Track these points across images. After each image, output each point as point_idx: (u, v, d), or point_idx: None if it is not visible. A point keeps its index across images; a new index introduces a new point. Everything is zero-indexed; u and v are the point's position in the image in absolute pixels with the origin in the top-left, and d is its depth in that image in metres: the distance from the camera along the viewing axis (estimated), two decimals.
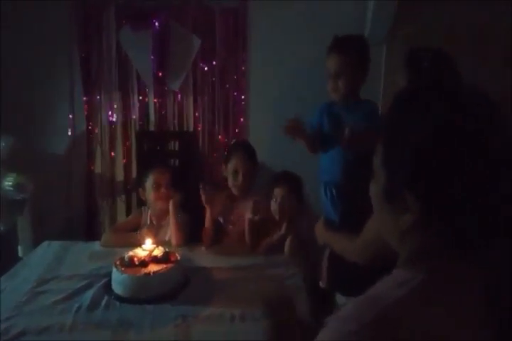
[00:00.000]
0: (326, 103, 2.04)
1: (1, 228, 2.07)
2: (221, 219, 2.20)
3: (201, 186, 2.06)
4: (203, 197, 2.06)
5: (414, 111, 0.63)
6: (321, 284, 1.81)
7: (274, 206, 2.03)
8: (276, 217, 2.03)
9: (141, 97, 2.76)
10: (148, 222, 2.19)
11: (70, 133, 2.77)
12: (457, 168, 0.58)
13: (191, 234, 2.15)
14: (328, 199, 2.01)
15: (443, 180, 0.59)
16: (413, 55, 1.55)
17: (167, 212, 2.11)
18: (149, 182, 2.17)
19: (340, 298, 1.76)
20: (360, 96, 1.98)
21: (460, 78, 1.51)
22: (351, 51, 1.87)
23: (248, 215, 2.06)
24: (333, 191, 1.99)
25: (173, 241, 2.06)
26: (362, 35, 1.96)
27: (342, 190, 1.96)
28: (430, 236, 0.63)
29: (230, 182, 2.16)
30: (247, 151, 2.19)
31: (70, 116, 2.76)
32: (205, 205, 2.10)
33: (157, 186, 2.15)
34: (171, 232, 2.08)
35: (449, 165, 0.58)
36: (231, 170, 2.15)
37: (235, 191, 2.17)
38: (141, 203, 2.36)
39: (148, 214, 2.22)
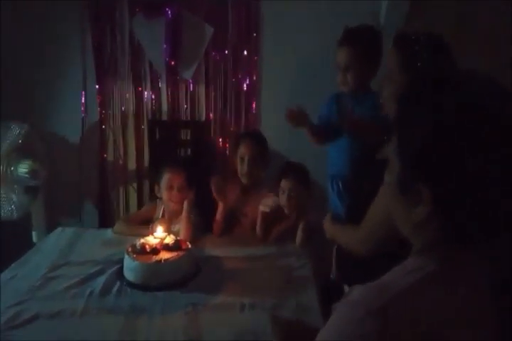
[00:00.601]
0: (336, 94, 2.03)
1: (16, 214, 2.09)
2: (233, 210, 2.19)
3: (212, 180, 2.05)
4: (214, 192, 2.06)
5: (421, 104, 0.63)
6: (331, 276, 1.81)
7: (282, 198, 2.02)
8: (285, 209, 2.03)
9: (153, 86, 2.76)
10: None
11: (82, 122, 2.79)
12: (464, 162, 0.58)
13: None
14: (335, 193, 2.01)
15: (450, 174, 0.58)
16: (401, 40, 1.47)
17: (179, 212, 2.07)
18: (163, 181, 2.14)
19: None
20: (371, 88, 1.96)
21: (454, 62, 1.45)
22: (361, 44, 1.85)
23: (261, 208, 2.06)
24: (340, 185, 1.99)
25: (182, 237, 1.95)
26: (373, 26, 1.90)
27: (348, 183, 1.95)
28: (440, 229, 0.63)
29: (238, 170, 2.17)
30: (254, 139, 2.18)
31: (83, 104, 2.77)
32: (217, 199, 2.10)
33: (169, 187, 2.12)
34: (180, 228, 2.03)
35: (454, 158, 0.58)
36: (239, 158, 2.15)
37: (242, 179, 2.17)
38: (153, 193, 2.36)
39: (162, 209, 2.20)
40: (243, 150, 2.15)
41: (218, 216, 2.13)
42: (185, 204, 2.05)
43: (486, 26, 2.41)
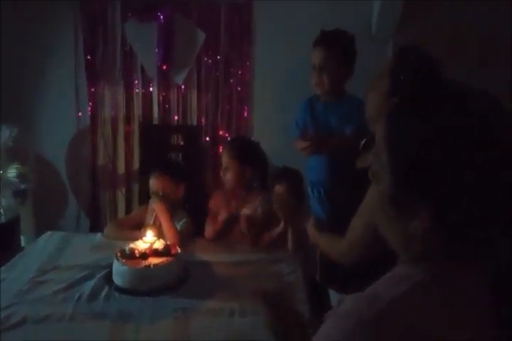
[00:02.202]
0: (309, 98, 2.04)
1: (4, 218, 2.07)
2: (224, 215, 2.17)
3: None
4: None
5: (416, 114, 0.62)
6: (317, 277, 1.82)
7: (275, 202, 2.01)
8: (277, 213, 2.02)
9: (144, 90, 2.76)
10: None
11: (75, 125, 2.78)
12: (469, 169, 0.57)
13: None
14: (316, 199, 2.03)
15: (448, 187, 0.57)
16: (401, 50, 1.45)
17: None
18: (150, 186, 2.15)
19: (333, 295, 1.76)
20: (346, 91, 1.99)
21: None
22: (335, 46, 1.88)
23: (243, 211, 2.06)
24: (321, 191, 2.00)
25: (168, 241, 1.91)
26: (347, 31, 1.94)
27: (328, 189, 1.98)
28: (433, 242, 0.61)
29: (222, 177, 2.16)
30: (231, 146, 2.16)
31: (75, 107, 2.76)
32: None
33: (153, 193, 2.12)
34: (164, 233, 2.01)
35: (452, 170, 0.57)
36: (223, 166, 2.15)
37: (226, 186, 2.17)
38: (143, 197, 2.36)
39: (154, 214, 2.18)
40: (223, 158, 2.14)
41: (221, 224, 2.11)
42: (156, 210, 2.03)
43: (484, 30, 2.44)
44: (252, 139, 2.37)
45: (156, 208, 2.05)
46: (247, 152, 2.15)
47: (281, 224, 2.01)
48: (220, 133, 2.79)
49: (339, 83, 1.94)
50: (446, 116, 0.60)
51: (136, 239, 1.84)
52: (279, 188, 1.99)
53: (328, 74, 1.89)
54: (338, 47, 1.88)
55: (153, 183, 2.13)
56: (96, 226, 2.74)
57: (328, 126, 1.96)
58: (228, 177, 2.12)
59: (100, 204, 2.87)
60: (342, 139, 1.82)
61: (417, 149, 0.59)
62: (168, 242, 1.84)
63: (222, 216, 2.11)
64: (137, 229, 2.09)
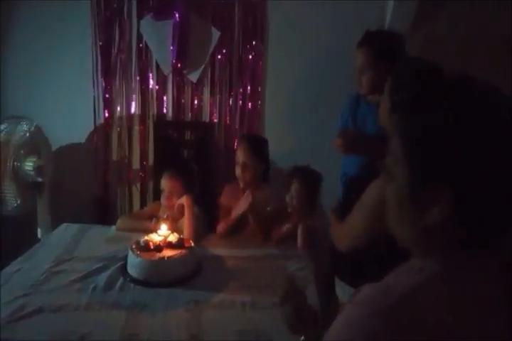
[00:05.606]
0: (355, 96, 1.99)
1: (21, 210, 2.11)
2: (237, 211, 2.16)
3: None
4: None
5: (432, 100, 0.62)
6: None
7: (289, 199, 2.03)
8: (290, 210, 2.03)
9: (159, 87, 2.79)
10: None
11: (92, 121, 2.82)
12: (485, 156, 0.57)
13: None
14: (342, 188, 1.98)
15: (470, 169, 0.57)
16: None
17: (174, 217, 2.10)
18: (161, 184, 2.18)
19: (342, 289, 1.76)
20: None
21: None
22: (376, 47, 1.82)
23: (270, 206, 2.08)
24: (347, 180, 1.97)
25: (185, 236, 1.95)
26: (394, 31, 1.87)
27: (352, 180, 1.93)
28: (449, 232, 0.61)
29: (236, 173, 2.17)
30: (249, 143, 2.17)
31: (92, 103, 2.80)
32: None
33: (162, 190, 2.16)
34: (184, 227, 2.04)
35: (475, 155, 0.57)
36: (236, 162, 2.16)
37: (240, 182, 2.19)
38: (157, 193, 2.38)
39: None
40: (238, 154, 2.16)
41: (233, 220, 2.13)
42: (185, 205, 2.07)
43: (496, 30, 2.43)
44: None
45: (186, 202, 2.07)
46: (263, 149, 2.19)
47: (293, 220, 2.02)
48: (233, 130, 2.81)
49: (380, 85, 1.90)
50: (449, 108, 0.60)
51: (146, 229, 1.87)
52: (294, 185, 2.00)
53: (367, 76, 1.84)
54: (377, 49, 1.81)
55: (165, 183, 2.16)
56: (109, 222, 2.77)
57: (365, 126, 1.91)
58: (244, 173, 2.14)
59: (114, 200, 2.91)
60: (376, 143, 1.78)
61: (429, 138, 0.60)
62: (182, 236, 1.87)
63: (236, 212, 2.13)
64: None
